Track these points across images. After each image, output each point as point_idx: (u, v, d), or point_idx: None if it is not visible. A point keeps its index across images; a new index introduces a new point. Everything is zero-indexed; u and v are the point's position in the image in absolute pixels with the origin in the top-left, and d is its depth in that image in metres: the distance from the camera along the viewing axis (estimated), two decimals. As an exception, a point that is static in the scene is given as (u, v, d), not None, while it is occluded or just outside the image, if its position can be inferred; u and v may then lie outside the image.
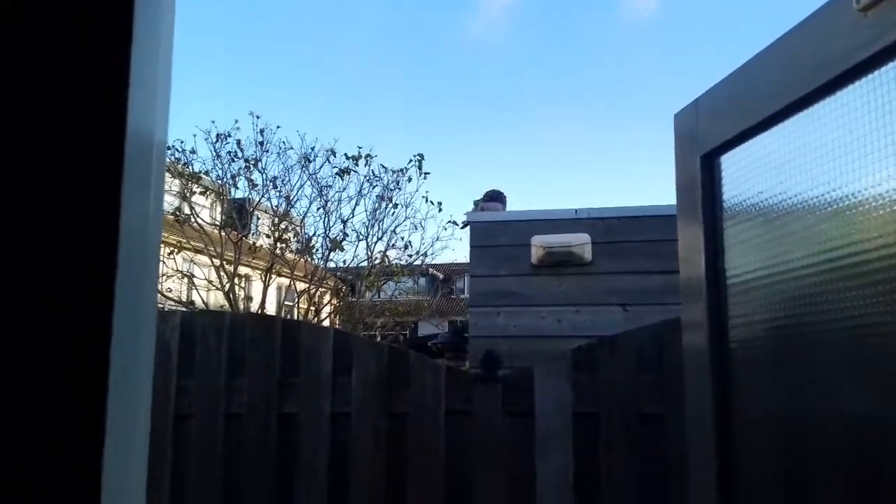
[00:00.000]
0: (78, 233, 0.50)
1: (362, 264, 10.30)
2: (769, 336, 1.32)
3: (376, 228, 10.08)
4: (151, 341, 0.57)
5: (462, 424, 2.55)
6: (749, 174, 1.40)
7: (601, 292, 4.17)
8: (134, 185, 0.52)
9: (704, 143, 1.54)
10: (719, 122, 1.51)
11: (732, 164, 1.47)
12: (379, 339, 10.96)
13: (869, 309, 1.00)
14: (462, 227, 9.35)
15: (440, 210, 10.15)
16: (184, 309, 8.07)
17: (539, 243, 4.23)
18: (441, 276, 16.41)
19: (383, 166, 10.01)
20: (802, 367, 1.21)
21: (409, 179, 10.06)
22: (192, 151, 9.55)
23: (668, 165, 1.67)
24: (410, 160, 9.92)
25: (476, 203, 5.24)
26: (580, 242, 4.21)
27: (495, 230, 4.42)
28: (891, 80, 1.00)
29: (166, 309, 7.37)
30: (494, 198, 5.36)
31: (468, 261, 4.53)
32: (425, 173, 9.93)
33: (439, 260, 12.20)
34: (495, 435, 2.53)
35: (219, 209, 10.43)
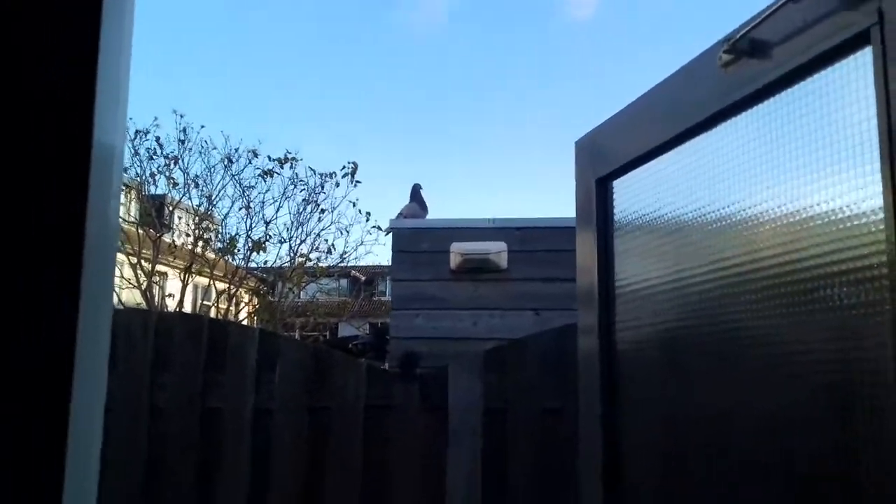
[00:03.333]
0: (49, 238, 0.53)
1: (284, 265, 10.29)
2: (650, 339, 1.52)
3: (300, 231, 10.11)
4: (107, 340, 0.62)
5: (381, 418, 2.73)
6: (636, 197, 1.62)
7: (515, 297, 4.43)
8: (98, 194, 0.55)
9: (600, 169, 1.76)
10: (612, 151, 1.73)
11: (623, 188, 1.69)
12: (299, 339, 10.94)
13: (733, 315, 1.21)
14: (386, 234, 9.49)
15: (367, 220, 10.29)
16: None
17: (458, 250, 4.46)
18: (363, 279, 16.42)
19: (311, 169, 10.06)
20: (677, 366, 1.41)
21: (337, 185, 10.14)
22: (110, 146, 9.26)
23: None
24: (344, 167, 10.00)
25: (399, 214, 5.45)
26: (497, 250, 4.46)
27: (417, 236, 4.62)
28: (747, 124, 1.25)
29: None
30: (414, 196, 5.57)
31: (390, 264, 4.71)
32: (356, 182, 10.04)
33: (362, 263, 12.30)
34: (412, 428, 2.72)
35: (134, 206, 10.19)
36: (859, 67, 0.99)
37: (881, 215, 0.89)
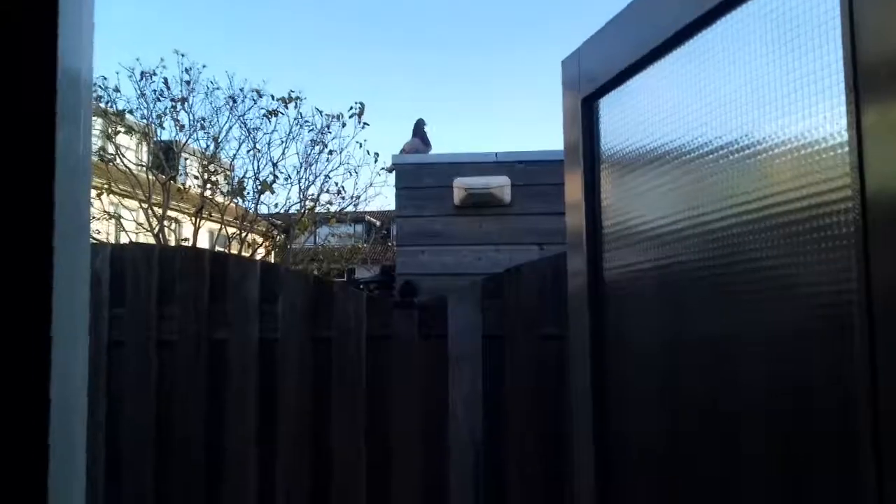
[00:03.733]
0: (15, 167, 0.52)
1: (295, 208, 10.33)
2: (638, 274, 1.50)
3: (308, 172, 10.10)
4: (87, 272, 0.61)
5: (382, 347, 2.79)
6: (622, 119, 1.58)
7: (519, 232, 4.44)
8: (66, 122, 0.54)
9: (585, 88, 1.71)
10: (597, 68, 1.67)
11: (608, 108, 1.66)
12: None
13: (720, 251, 1.17)
14: (389, 171, 9.45)
15: (376, 161, 10.24)
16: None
17: (461, 185, 4.45)
18: (378, 223, 16.48)
19: (318, 109, 9.97)
20: (667, 294, 1.39)
21: (344, 125, 10.07)
22: (116, 90, 9.27)
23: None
24: (351, 107, 9.91)
25: (401, 151, 5.41)
26: (500, 185, 4.45)
27: (420, 172, 4.61)
28: (724, 36, 1.21)
29: (93, 251, 7.26)
30: (416, 132, 5.50)
31: (395, 201, 4.71)
32: (364, 123, 9.95)
33: (374, 206, 12.32)
34: (412, 356, 2.78)
35: (145, 150, 10.20)
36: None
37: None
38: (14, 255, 0.52)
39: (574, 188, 1.75)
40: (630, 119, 1.52)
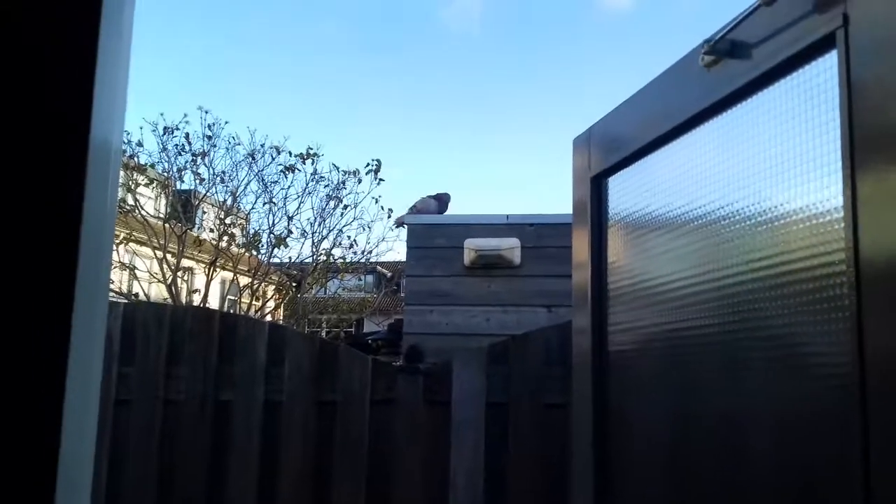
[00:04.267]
0: (44, 226, 0.54)
1: (307, 260, 10.42)
2: (642, 339, 1.54)
3: (322, 226, 10.22)
4: (104, 328, 0.63)
5: (386, 412, 2.79)
6: (630, 194, 1.63)
7: (528, 294, 4.46)
8: (95, 185, 0.57)
9: (595, 167, 1.78)
10: (606, 149, 1.74)
11: (617, 186, 1.72)
12: (324, 335, 11.07)
13: (725, 318, 1.21)
14: (396, 227, 9.55)
15: (389, 216, 10.38)
16: (125, 300, 8.06)
17: (471, 246, 4.50)
18: (388, 274, 16.53)
19: (335, 165, 10.16)
20: (669, 365, 1.42)
21: (360, 181, 10.23)
22: (139, 144, 9.50)
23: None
24: (368, 164, 10.08)
25: (412, 208, 5.48)
26: (510, 246, 4.49)
27: (431, 232, 4.67)
28: (729, 122, 1.27)
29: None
30: (437, 197, 5.59)
31: (405, 260, 4.77)
32: (380, 179, 10.12)
33: (384, 259, 12.39)
34: (416, 421, 2.77)
35: (163, 201, 10.39)
36: (826, 69, 1.00)
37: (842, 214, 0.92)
38: (37, 309, 0.54)
39: (581, 254, 1.78)
40: (637, 196, 1.58)
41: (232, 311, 9.78)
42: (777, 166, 1.10)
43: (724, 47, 1.23)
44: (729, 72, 1.23)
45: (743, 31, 1.20)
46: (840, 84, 0.96)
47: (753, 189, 1.15)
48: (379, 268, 15.31)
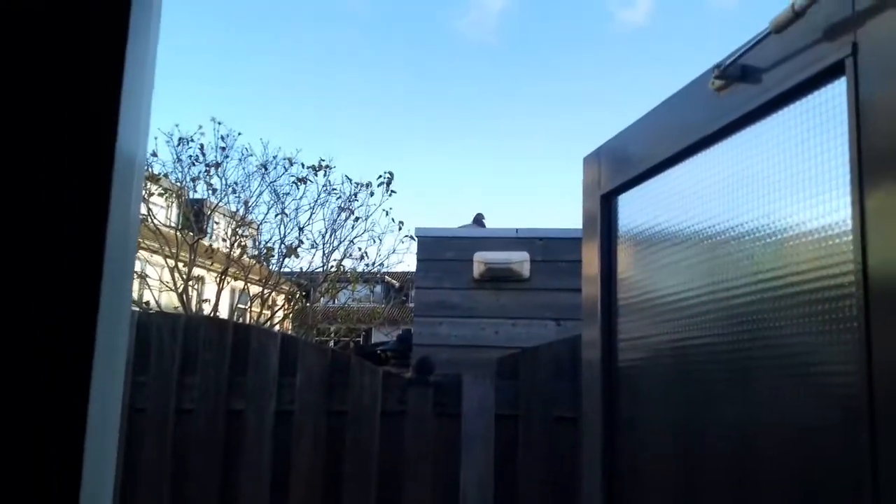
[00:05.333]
0: (72, 235, 0.56)
1: (317, 270, 10.47)
2: (652, 352, 1.56)
3: (333, 238, 10.29)
4: (126, 336, 0.64)
5: (396, 423, 2.81)
6: (639, 213, 1.67)
7: (537, 307, 4.48)
8: (119, 195, 0.58)
9: (605, 185, 1.81)
10: (616, 168, 1.78)
11: (627, 204, 1.75)
12: (333, 345, 11.10)
13: (735, 333, 1.24)
14: (412, 239, 9.60)
15: (400, 228, 10.44)
16: (138, 309, 8.12)
17: (481, 259, 4.52)
18: (397, 285, 16.57)
19: (347, 177, 10.23)
20: (678, 380, 1.45)
21: (372, 193, 10.30)
22: (154, 154, 9.62)
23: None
24: (380, 176, 10.16)
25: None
26: (519, 260, 4.52)
27: (441, 245, 4.70)
28: (738, 145, 1.30)
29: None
30: (476, 219, 5.69)
31: (415, 272, 4.80)
32: (392, 191, 10.19)
33: (395, 270, 12.42)
34: (426, 433, 2.79)
35: (175, 211, 10.49)
36: (836, 96, 1.03)
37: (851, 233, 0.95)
38: (63, 316, 0.55)
39: (591, 271, 1.81)
40: (646, 214, 1.61)
41: (242, 321, 9.83)
42: (786, 187, 1.13)
43: (735, 72, 1.27)
44: (739, 96, 1.26)
45: (753, 57, 1.23)
46: (849, 109, 0.99)
47: (763, 208, 1.18)
48: (388, 278, 15.35)
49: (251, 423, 2.84)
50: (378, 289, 15.68)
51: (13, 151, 0.56)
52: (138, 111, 0.62)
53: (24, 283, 0.55)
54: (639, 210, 1.67)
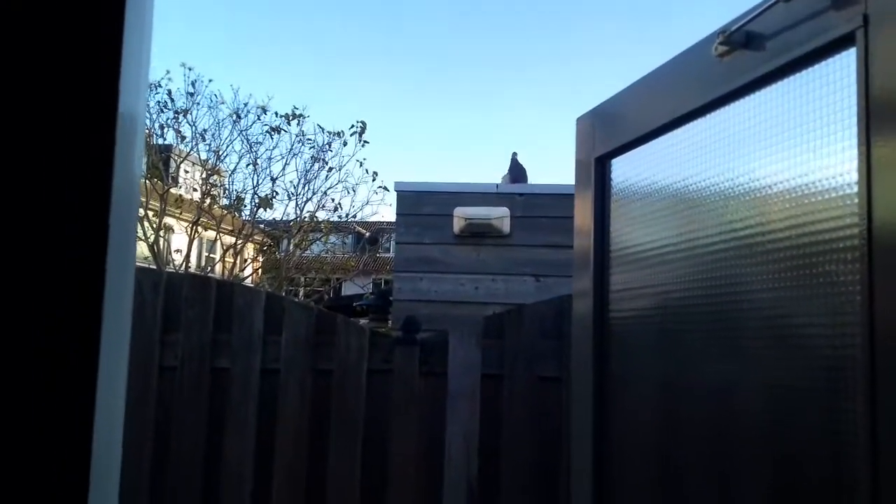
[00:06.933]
0: (77, 190, 0.56)
1: (290, 220, 10.35)
2: (642, 310, 1.59)
3: (307, 189, 10.14)
4: (131, 295, 0.65)
5: (382, 382, 2.82)
6: (633, 176, 1.66)
7: (517, 263, 4.50)
8: (123, 154, 0.59)
9: (599, 148, 1.79)
10: (611, 131, 1.76)
11: (621, 167, 1.74)
12: (303, 296, 11.07)
13: (717, 283, 1.28)
14: (378, 187, 9.48)
15: (374, 179, 10.32)
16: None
17: (461, 214, 4.51)
18: (367, 234, 16.49)
19: (320, 126, 10.04)
20: (668, 336, 1.48)
21: (345, 143, 10.13)
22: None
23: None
24: (353, 126, 9.98)
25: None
26: (499, 216, 4.51)
27: (421, 200, 4.67)
28: (739, 111, 1.29)
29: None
30: (512, 167, 5.57)
31: (395, 226, 4.77)
32: (365, 142, 10.02)
33: (369, 220, 12.34)
34: (412, 392, 2.82)
35: (144, 158, 10.22)
36: (843, 67, 1.03)
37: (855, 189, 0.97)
38: (72, 274, 0.56)
39: (583, 233, 1.81)
40: (642, 175, 1.61)
41: (211, 271, 9.71)
42: (791, 156, 1.13)
43: (739, 38, 1.25)
44: (742, 63, 1.25)
45: (759, 24, 1.21)
46: (858, 81, 0.98)
47: (763, 169, 1.19)
48: (358, 228, 15.26)
49: (236, 380, 2.83)
50: (349, 239, 15.59)
51: (17, 110, 0.56)
52: (139, 65, 0.62)
53: (29, 246, 0.55)
54: (634, 172, 1.66)
